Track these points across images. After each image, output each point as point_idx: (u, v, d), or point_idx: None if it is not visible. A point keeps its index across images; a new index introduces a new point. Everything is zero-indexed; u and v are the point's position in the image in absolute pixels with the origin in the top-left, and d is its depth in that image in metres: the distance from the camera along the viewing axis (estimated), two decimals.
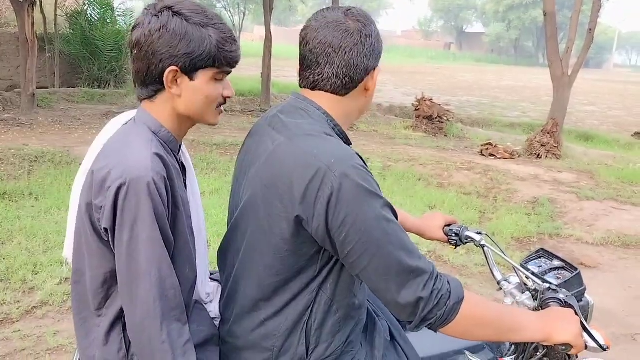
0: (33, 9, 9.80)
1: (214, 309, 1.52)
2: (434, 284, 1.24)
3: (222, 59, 1.31)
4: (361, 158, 1.28)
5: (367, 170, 1.25)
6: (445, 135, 10.49)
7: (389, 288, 1.23)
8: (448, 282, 1.27)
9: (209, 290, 1.53)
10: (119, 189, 1.20)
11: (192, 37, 1.27)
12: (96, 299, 1.31)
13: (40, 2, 11.57)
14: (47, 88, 12.21)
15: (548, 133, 8.77)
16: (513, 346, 1.62)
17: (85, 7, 14.20)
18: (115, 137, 1.35)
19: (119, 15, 14.71)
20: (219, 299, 1.53)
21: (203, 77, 1.31)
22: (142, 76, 1.31)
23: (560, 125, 8.99)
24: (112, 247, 1.26)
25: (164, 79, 1.29)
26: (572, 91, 9.30)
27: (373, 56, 1.34)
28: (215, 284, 1.59)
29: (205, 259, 1.54)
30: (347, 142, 1.37)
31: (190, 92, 1.31)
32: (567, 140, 10.09)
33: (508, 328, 1.33)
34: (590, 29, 8.84)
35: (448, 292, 1.25)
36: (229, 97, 1.39)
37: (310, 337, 1.34)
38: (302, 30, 1.37)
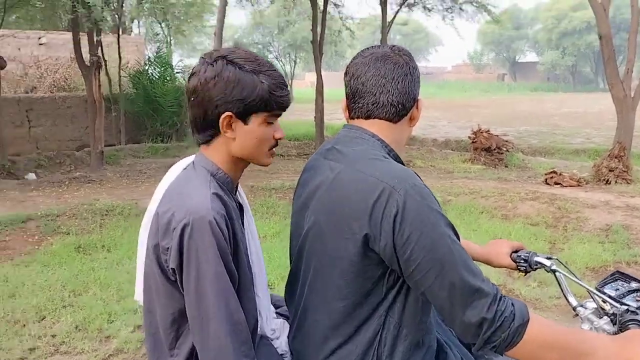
0: (99, 72, 10.45)
1: (280, 344, 1.53)
2: (498, 306, 1.24)
3: (274, 103, 1.37)
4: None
5: (428, 188, 1.30)
6: (505, 166, 10.26)
7: (453, 306, 1.24)
8: (512, 304, 1.26)
9: (274, 327, 1.55)
10: (183, 229, 1.26)
11: (244, 84, 1.33)
12: (167, 338, 1.35)
13: (105, 65, 12.33)
14: (114, 145, 12.86)
15: (616, 157, 8.41)
16: None
17: (147, 67, 15.02)
18: (177, 181, 1.42)
19: (178, 72, 15.45)
20: (286, 335, 1.54)
21: (256, 121, 1.37)
22: (199, 122, 1.38)
23: (628, 148, 8.62)
24: (179, 286, 1.30)
25: (220, 124, 1.35)
26: (638, 113, 8.94)
27: (418, 86, 1.44)
28: (281, 320, 1.60)
29: (267, 296, 1.56)
30: (402, 165, 1.43)
31: (244, 135, 1.37)
32: (637, 164, 9.64)
33: (579, 352, 1.28)
34: None
35: (512, 314, 1.24)
36: (280, 139, 1.44)
37: (382, 356, 1.33)
38: (349, 67, 1.45)
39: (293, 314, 1.49)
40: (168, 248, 1.28)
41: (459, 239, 1.28)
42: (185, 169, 1.46)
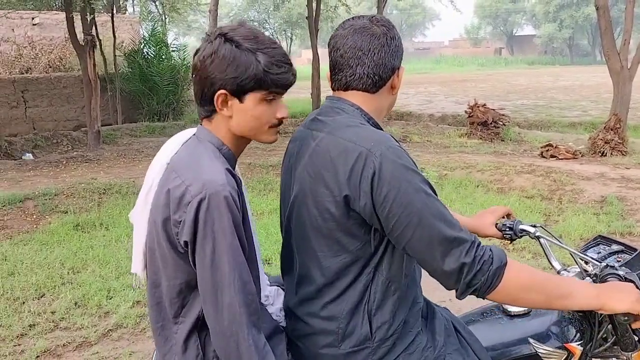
0: (94, 52, 10.38)
1: (275, 311, 1.59)
2: (476, 251, 1.30)
3: (269, 82, 1.36)
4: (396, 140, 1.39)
5: (403, 149, 1.36)
6: (502, 140, 10.26)
7: (434, 257, 1.30)
8: (490, 249, 1.33)
9: (267, 293, 1.60)
10: (199, 203, 1.28)
11: (239, 61, 1.34)
12: (173, 307, 1.39)
13: (100, 45, 12.25)
14: (111, 125, 12.84)
15: (611, 129, 8.43)
16: (579, 333, 1.58)
17: (142, 46, 14.92)
18: (183, 155, 1.43)
19: (174, 51, 15.35)
20: (281, 302, 1.60)
21: (252, 99, 1.37)
22: (199, 98, 1.41)
23: (624, 120, 8.63)
24: (189, 259, 1.33)
25: (215, 101, 1.37)
26: (634, 85, 8.92)
27: (397, 56, 1.47)
28: (275, 287, 1.65)
29: (260, 263, 1.60)
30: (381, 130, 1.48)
31: (241, 113, 1.38)
32: (632, 135, 9.65)
33: (557, 294, 1.35)
34: None
35: (490, 258, 1.30)
36: (283, 118, 1.43)
37: (372, 317, 1.40)
38: (330, 39, 1.49)
39: (289, 281, 1.54)
40: (181, 222, 1.30)
41: (435, 194, 1.34)
42: (186, 143, 1.47)
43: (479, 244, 1.32)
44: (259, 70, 1.34)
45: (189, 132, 1.51)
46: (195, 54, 1.41)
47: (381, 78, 1.45)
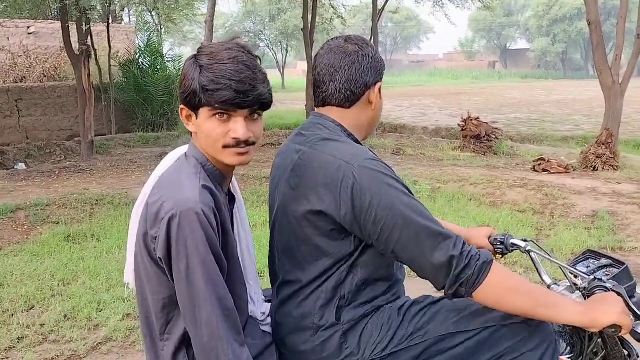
0: (89, 62, 10.38)
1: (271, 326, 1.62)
2: (463, 246, 1.37)
3: (207, 98, 1.35)
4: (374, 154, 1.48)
5: (380, 161, 1.45)
6: (494, 154, 10.30)
7: (423, 253, 1.36)
8: (476, 248, 1.40)
9: (263, 310, 1.63)
10: (170, 219, 1.29)
11: (187, 77, 1.38)
12: (158, 323, 1.40)
13: (95, 55, 12.25)
14: (105, 135, 12.81)
15: (603, 144, 8.48)
16: (569, 347, 1.59)
17: (137, 56, 14.93)
18: (168, 171, 1.45)
19: (169, 62, 15.38)
20: None
21: (203, 114, 1.38)
22: None
23: (616, 135, 8.68)
24: (167, 274, 1.34)
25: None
26: (626, 100, 8.99)
27: (371, 73, 1.55)
28: (270, 304, 1.67)
29: (257, 281, 1.64)
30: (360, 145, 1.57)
31: (198, 129, 1.41)
32: (624, 150, 9.71)
33: (543, 302, 1.38)
34: (639, 35, 8.58)
35: (477, 254, 1.38)
36: (236, 139, 1.38)
37: (343, 310, 1.49)
38: (314, 59, 1.58)
39: (274, 289, 1.61)
40: (156, 237, 1.32)
41: (413, 195, 1.43)
42: (178, 159, 1.50)
43: (464, 241, 1.39)
44: (196, 86, 1.35)
45: (185, 148, 1.54)
46: None
47: (353, 93, 1.53)
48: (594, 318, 1.35)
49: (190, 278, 1.29)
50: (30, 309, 3.87)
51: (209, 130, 1.39)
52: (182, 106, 1.40)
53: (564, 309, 1.37)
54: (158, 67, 14.76)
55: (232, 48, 1.39)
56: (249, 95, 1.34)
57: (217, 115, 1.37)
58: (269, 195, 1.64)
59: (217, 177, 1.44)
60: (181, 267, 1.29)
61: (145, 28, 19.84)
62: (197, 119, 1.40)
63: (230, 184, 1.54)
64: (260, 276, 4.24)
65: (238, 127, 1.37)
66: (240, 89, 1.34)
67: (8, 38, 15.84)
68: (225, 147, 1.39)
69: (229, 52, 1.37)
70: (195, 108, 1.39)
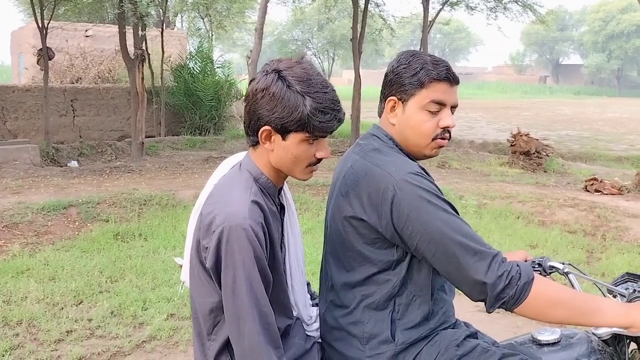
0: (143, 65, 10.68)
1: (316, 327, 1.67)
2: (501, 266, 1.37)
3: (312, 127, 1.39)
4: (423, 169, 1.50)
5: (424, 175, 1.46)
6: (544, 171, 10.04)
7: (458, 270, 1.38)
8: (517, 264, 1.39)
9: (311, 314, 1.67)
10: (220, 234, 1.35)
11: (286, 103, 1.37)
12: (206, 324, 1.45)
13: (149, 59, 12.61)
14: (154, 137, 13.14)
15: None
16: None
17: (188, 61, 15.28)
18: (222, 182, 1.50)
19: (218, 67, 15.66)
20: None
21: (294, 139, 1.41)
22: (247, 126, 1.47)
23: None
24: (215, 282, 1.40)
25: (259, 135, 1.42)
26: None
27: (391, 87, 1.60)
28: (317, 308, 1.71)
29: (304, 287, 1.68)
30: (410, 159, 1.59)
31: (282, 149, 1.43)
32: None
33: (585, 309, 1.39)
34: None
35: (518, 273, 1.37)
36: (322, 158, 1.48)
37: (396, 324, 1.49)
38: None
39: (322, 290, 1.65)
40: (207, 248, 1.38)
41: (457, 212, 1.43)
42: (232, 168, 1.54)
43: (504, 258, 1.38)
44: (304, 115, 1.38)
45: (241, 155, 1.58)
46: (251, 82, 1.46)
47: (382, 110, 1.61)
48: (635, 319, 1.38)
49: (236, 291, 1.34)
50: (79, 304, 3.98)
51: (300, 152, 1.43)
52: (267, 128, 1.40)
53: (606, 312, 1.39)
54: (208, 73, 15.05)
55: (318, 73, 1.44)
56: (342, 122, 1.45)
57: (309, 140, 1.42)
58: (328, 200, 1.68)
59: (271, 189, 1.49)
60: (228, 279, 1.35)
61: (197, 34, 20.30)
62: (283, 140, 1.42)
63: (283, 193, 1.58)
64: (314, 278, 4.25)
65: (324, 147, 1.47)
66: (341, 118, 1.44)
67: (67, 40, 16.50)
68: (308, 166, 1.48)
69: (317, 77, 1.42)
70: (286, 132, 1.41)
